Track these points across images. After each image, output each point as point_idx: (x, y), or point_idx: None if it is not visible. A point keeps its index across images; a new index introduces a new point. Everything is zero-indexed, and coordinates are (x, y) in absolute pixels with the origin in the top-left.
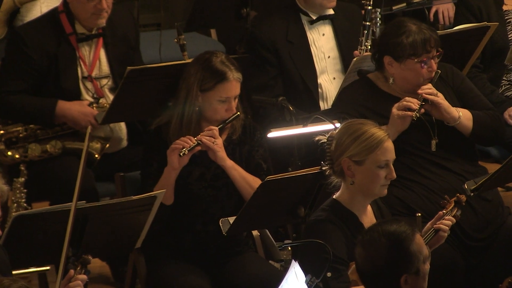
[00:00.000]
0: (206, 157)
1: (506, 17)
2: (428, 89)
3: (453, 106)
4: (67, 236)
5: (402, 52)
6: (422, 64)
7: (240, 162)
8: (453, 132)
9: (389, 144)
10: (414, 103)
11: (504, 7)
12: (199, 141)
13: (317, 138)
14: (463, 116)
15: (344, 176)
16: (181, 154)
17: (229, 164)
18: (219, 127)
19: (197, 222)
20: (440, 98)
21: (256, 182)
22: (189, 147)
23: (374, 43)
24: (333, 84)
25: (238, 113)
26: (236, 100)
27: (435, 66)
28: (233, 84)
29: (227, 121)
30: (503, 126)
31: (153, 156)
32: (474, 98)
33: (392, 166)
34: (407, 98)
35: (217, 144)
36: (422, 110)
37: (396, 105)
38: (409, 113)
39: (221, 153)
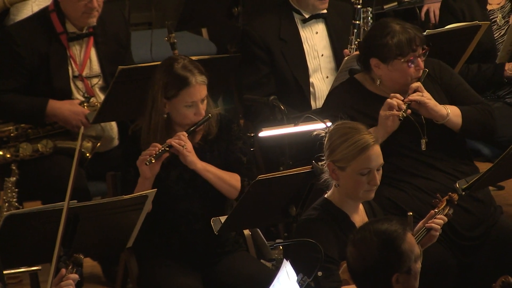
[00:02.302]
0: None
1: (491, 17)
2: (414, 94)
3: (441, 103)
4: (59, 236)
5: (388, 53)
6: (409, 64)
7: (218, 160)
8: (443, 132)
9: (373, 152)
10: (397, 99)
11: (489, 7)
12: (168, 146)
13: (315, 133)
14: (452, 113)
15: None
16: (147, 163)
17: (201, 166)
18: (188, 131)
19: (182, 222)
20: (426, 97)
21: (233, 178)
22: (155, 154)
23: (360, 45)
24: (325, 83)
25: (210, 115)
26: (205, 102)
27: (422, 64)
28: (197, 88)
29: (197, 125)
30: (494, 119)
31: (130, 162)
32: (463, 93)
33: (375, 173)
34: (391, 95)
35: (186, 149)
36: (409, 111)
37: (382, 107)
38: (396, 112)
39: (191, 157)
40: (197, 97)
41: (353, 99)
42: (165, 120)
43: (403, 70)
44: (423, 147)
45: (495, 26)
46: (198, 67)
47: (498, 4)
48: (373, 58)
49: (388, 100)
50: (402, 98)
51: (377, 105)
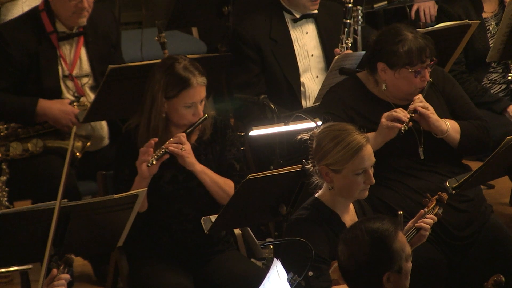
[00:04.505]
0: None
1: (486, 24)
2: (419, 103)
3: (442, 115)
4: (50, 235)
5: (397, 60)
6: (416, 74)
7: (212, 162)
8: (440, 139)
9: (366, 152)
10: (404, 115)
11: (484, 15)
12: (166, 149)
13: (299, 136)
14: (451, 128)
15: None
16: (148, 165)
17: (199, 168)
18: (186, 132)
19: (173, 222)
20: (430, 112)
21: (227, 184)
22: (157, 156)
23: (368, 46)
24: (316, 83)
25: (206, 115)
26: (203, 103)
27: (428, 76)
28: (197, 90)
29: (194, 125)
30: (490, 137)
31: (124, 161)
32: (464, 106)
33: (370, 171)
34: (397, 110)
35: (185, 150)
36: (410, 123)
37: (385, 114)
38: (398, 125)
39: (190, 159)
40: (197, 98)
41: (353, 99)
42: (164, 119)
43: (409, 79)
44: (422, 156)
45: (489, 34)
46: (198, 68)
47: (492, 12)
48: (380, 62)
49: (394, 114)
50: (409, 116)
51: (377, 109)
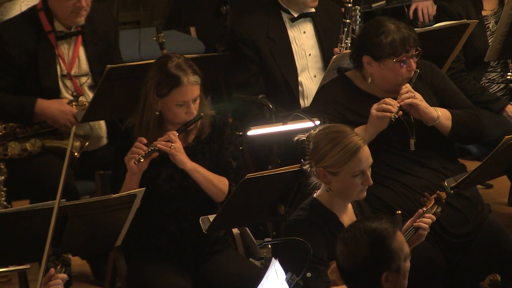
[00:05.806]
0: None
1: (485, 22)
2: (406, 95)
3: (431, 106)
4: (49, 235)
5: (381, 52)
6: (402, 64)
7: (210, 161)
8: (432, 130)
9: (363, 154)
10: (393, 105)
11: (483, 13)
12: (155, 147)
13: (296, 138)
14: (442, 115)
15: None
16: (135, 162)
17: (190, 166)
18: (179, 130)
19: (170, 222)
20: (418, 99)
21: (221, 182)
22: (144, 153)
23: (353, 42)
24: (313, 82)
25: (202, 114)
26: (197, 101)
27: (414, 66)
28: (189, 88)
29: (188, 124)
30: (482, 124)
31: (122, 160)
32: (453, 97)
33: (368, 173)
34: (386, 100)
35: (175, 148)
36: (400, 113)
37: (375, 105)
38: (388, 114)
39: (180, 157)
40: (189, 97)
41: (343, 96)
42: (157, 117)
43: (395, 69)
44: (412, 147)
45: (488, 32)
46: (192, 67)
47: (491, 10)
48: (365, 56)
49: (383, 105)
50: (398, 104)
51: (367, 103)
